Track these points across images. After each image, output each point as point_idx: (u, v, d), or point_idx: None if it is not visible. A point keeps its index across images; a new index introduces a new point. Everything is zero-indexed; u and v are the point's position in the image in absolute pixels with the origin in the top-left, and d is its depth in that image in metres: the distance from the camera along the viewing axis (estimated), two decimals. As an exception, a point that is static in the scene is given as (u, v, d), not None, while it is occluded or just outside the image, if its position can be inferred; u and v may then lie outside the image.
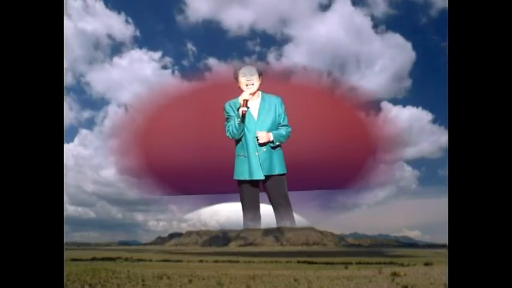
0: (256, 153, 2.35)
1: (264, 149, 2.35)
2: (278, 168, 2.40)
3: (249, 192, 2.43)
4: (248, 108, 2.32)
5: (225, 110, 2.43)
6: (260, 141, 2.33)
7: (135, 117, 4.03)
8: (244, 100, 2.32)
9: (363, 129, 3.68)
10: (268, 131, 2.37)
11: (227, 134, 2.39)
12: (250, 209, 2.45)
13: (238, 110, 2.33)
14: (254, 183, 2.41)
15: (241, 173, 2.40)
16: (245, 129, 2.36)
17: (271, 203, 2.45)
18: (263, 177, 2.36)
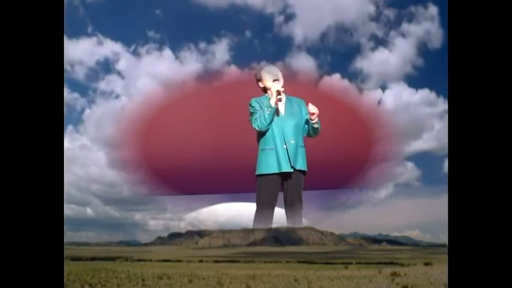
0: (285, 146, 2.36)
1: (292, 141, 2.38)
2: (300, 164, 2.37)
3: (268, 190, 2.42)
4: (279, 93, 2.34)
5: (250, 105, 2.44)
6: (312, 110, 2.32)
7: (136, 116, 4.03)
8: (277, 90, 2.32)
9: (364, 128, 3.68)
10: (294, 127, 2.37)
11: (254, 126, 2.39)
12: (266, 207, 2.43)
13: (269, 101, 2.34)
14: (275, 180, 2.41)
15: (269, 167, 2.35)
16: (274, 124, 2.36)
17: (286, 200, 2.45)
18: (292, 170, 2.32)
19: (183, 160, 3.73)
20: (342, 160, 3.52)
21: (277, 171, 2.35)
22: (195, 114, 3.82)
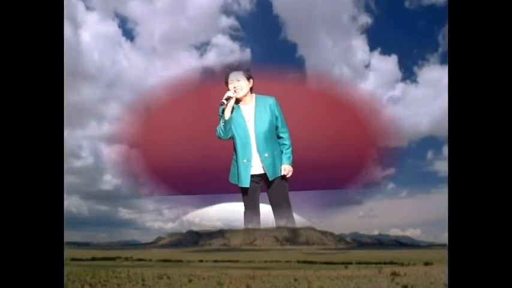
0: (244, 161, 2.35)
1: (266, 155, 2.36)
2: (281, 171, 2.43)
3: (247, 193, 2.45)
4: (227, 100, 2.25)
5: (219, 112, 2.43)
6: (284, 173, 2.38)
7: (133, 117, 4.03)
8: (228, 96, 2.27)
9: (362, 128, 3.68)
10: (266, 135, 2.35)
11: (216, 134, 2.38)
12: (250, 209, 2.48)
13: (222, 111, 2.30)
14: (253, 185, 2.42)
15: (232, 176, 2.46)
16: (236, 135, 2.35)
17: (272, 204, 2.47)
18: (247, 185, 2.37)
19: (183, 159, 3.73)
20: (341, 160, 3.52)
21: (236, 183, 2.38)
22: (194, 113, 3.82)
